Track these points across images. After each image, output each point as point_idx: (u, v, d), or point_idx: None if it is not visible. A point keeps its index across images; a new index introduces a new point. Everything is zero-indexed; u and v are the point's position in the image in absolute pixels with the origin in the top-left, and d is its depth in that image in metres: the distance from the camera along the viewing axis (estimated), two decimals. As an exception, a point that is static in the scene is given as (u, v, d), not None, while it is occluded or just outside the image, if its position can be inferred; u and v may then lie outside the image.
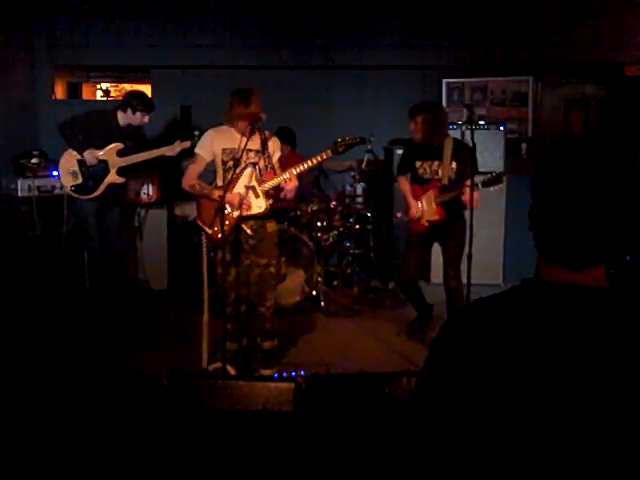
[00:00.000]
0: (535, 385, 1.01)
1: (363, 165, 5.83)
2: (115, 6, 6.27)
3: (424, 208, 4.42)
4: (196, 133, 4.72)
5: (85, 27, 6.30)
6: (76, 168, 4.96)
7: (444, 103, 6.30)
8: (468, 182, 4.05)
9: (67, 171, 4.99)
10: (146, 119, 4.95)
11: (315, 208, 5.52)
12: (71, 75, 6.95)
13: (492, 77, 6.29)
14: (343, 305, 5.43)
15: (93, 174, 4.95)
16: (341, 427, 2.22)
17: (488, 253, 5.51)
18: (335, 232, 5.61)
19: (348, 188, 6.04)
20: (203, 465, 2.18)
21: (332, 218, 5.56)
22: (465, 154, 4.25)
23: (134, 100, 4.89)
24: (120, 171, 4.96)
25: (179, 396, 2.31)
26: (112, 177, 4.95)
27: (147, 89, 6.63)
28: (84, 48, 6.32)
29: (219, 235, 3.80)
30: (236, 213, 3.88)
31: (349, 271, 5.70)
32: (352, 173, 5.91)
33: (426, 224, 4.41)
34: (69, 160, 4.98)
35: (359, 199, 6.04)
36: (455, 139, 4.46)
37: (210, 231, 3.86)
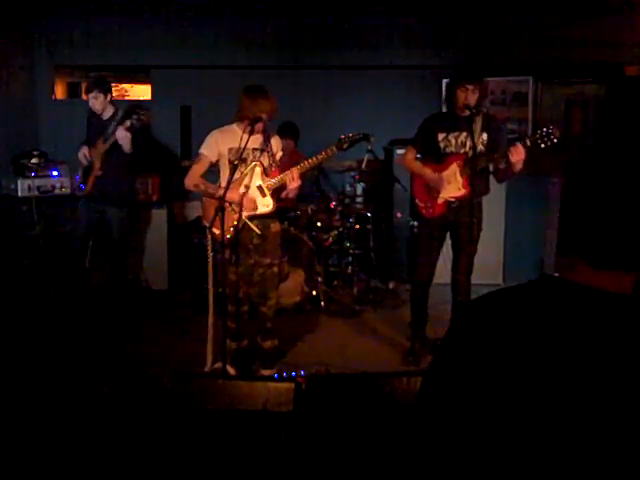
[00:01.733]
0: (536, 385, 1.00)
1: (363, 165, 5.83)
2: (115, 6, 6.26)
3: (445, 184, 4.02)
4: (138, 111, 4.69)
5: (85, 27, 6.29)
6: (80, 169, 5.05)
7: (444, 103, 6.30)
8: (515, 148, 3.74)
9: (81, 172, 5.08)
10: (100, 99, 4.83)
11: (315, 208, 5.52)
12: (71, 75, 6.95)
13: (492, 77, 6.29)
14: (343, 305, 5.43)
15: (84, 170, 4.99)
16: (341, 427, 2.22)
17: (488, 253, 5.50)
18: (335, 232, 5.61)
19: (348, 188, 6.04)
20: (203, 465, 2.18)
21: (332, 218, 5.56)
22: (495, 127, 4.04)
23: (90, 83, 4.97)
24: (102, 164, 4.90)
25: (179, 396, 2.31)
26: (95, 171, 4.91)
27: (147, 89, 6.64)
28: (84, 48, 6.32)
29: (227, 235, 3.80)
30: (244, 213, 3.88)
31: (349, 271, 5.70)
32: (352, 173, 5.90)
33: (452, 200, 4.01)
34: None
35: (359, 199, 6.04)
36: (485, 112, 4.12)
37: (217, 231, 3.78)
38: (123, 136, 4.66)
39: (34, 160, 5.66)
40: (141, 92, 7.16)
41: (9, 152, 5.72)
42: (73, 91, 7.12)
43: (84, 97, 4.99)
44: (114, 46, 6.29)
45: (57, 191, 5.68)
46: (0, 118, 5.78)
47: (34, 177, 5.58)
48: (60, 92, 6.79)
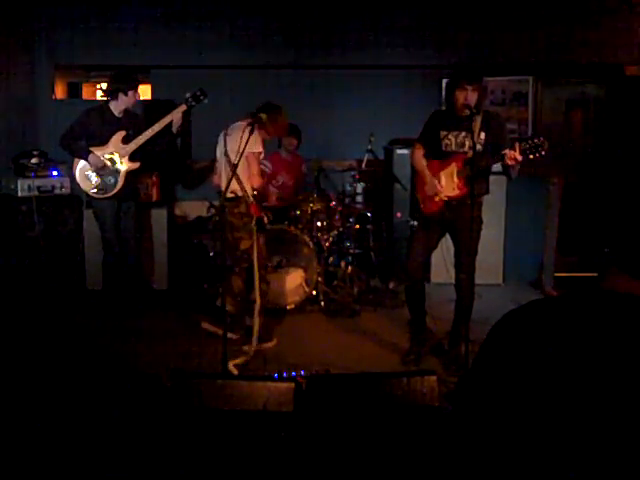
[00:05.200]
0: (574, 391, 1.00)
1: (363, 165, 5.83)
2: (115, 6, 6.27)
3: (442, 184, 4.04)
4: (187, 95, 4.75)
5: (85, 27, 6.29)
6: (89, 171, 4.85)
7: (444, 103, 6.31)
8: (505, 151, 3.74)
9: (82, 177, 4.87)
10: (138, 95, 4.90)
11: (315, 208, 5.52)
12: (71, 75, 6.95)
13: (492, 77, 6.29)
14: (343, 305, 5.43)
15: (108, 170, 4.84)
16: (341, 427, 2.22)
17: (488, 253, 5.51)
18: (335, 232, 5.61)
19: (348, 188, 6.04)
20: (203, 465, 2.18)
21: (332, 218, 5.56)
22: (495, 125, 4.02)
23: (120, 83, 4.84)
24: (132, 157, 4.86)
25: (179, 396, 2.31)
26: (127, 165, 4.85)
27: (147, 89, 6.63)
28: (84, 48, 6.32)
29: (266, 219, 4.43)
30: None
31: (349, 271, 5.70)
32: (352, 173, 5.91)
33: (445, 199, 4.03)
34: (79, 165, 4.88)
35: (359, 199, 6.04)
36: (485, 110, 4.10)
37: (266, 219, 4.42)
38: (178, 118, 4.77)
39: (34, 160, 5.65)
40: (141, 92, 7.14)
41: (9, 152, 5.72)
42: (73, 91, 7.11)
43: (115, 104, 4.88)
44: (114, 46, 6.29)
45: (57, 191, 5.67)
46: (0, 118, 5.78)
47: (34, 177, 5.57)
48: (60, 92, 6.79)
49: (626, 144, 6.10)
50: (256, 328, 4.22)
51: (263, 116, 4.36)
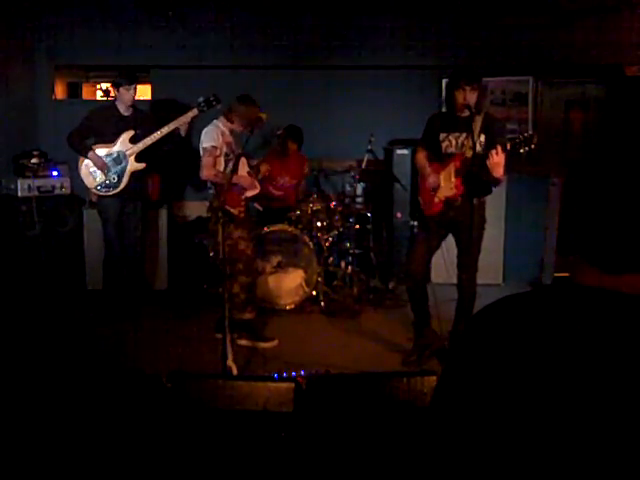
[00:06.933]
0: (552, 388, 1.00)
1: (363, 165, 5.83)
2: (115, 6, 6.27)
3: (441, 184, 4.06)
4: (200, 100, 4.78)
5: (85, 27, 6.29)
6: (94, 168, 4.86)
7: (444, 103, 6.30)
8: (495, 150, 3.72)
9: (87, 174, 4.89)
10: (132, 92, 4.85)
11: (315, 208, 5.52)
12: (71, 75, 6.95)
13: (492, 77, 6.29)
14: (343, 305, 5.43)
15: (112, 169, 4.86)
16: (341, 427, 2.22)
17: (488, 253, 5.50)
18: (335, 232, 5.61)
19: (348, 188, 6.04)
20: (203, 465, 2.18)
21: (332, 218, 5.56)
22: (497, 129, 4.02)
23: (117, 78, 4.90)
24: (138, 157, 4.89)
25: (179, 396, 2.31)
26: (132, 165, 4.87)
27: (147, 89, 6.64)
28: (84, 48, 6.32)
29: (242, 215, 4.52)
30: (249, 193, 4.61)
31: (349, 271, 5.71)
32: (352, 173, 5.91)
33: (442, 199, 4.06)
34: (84, 163, 4.90)
35: (359, 199, 6.04)
36: (487, 113, 4.12)
37: (236, 212, 4.45)
38: (185, 123, 4.79)
39: (34, 160, 5.66)
40: (141, 92, 7.15)
41: (9, 152, 5.72)
42: (73, 91, 7.12)
43: (119, 102, 4.91)
44: (114, 46, 6.29)
45: (57, 191, 5.68)
46: (0, 118, 5.78)
47: (34, 177, 5.58)
48: (60, 92, 6.79)
49: (626, 144, 6.10)
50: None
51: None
